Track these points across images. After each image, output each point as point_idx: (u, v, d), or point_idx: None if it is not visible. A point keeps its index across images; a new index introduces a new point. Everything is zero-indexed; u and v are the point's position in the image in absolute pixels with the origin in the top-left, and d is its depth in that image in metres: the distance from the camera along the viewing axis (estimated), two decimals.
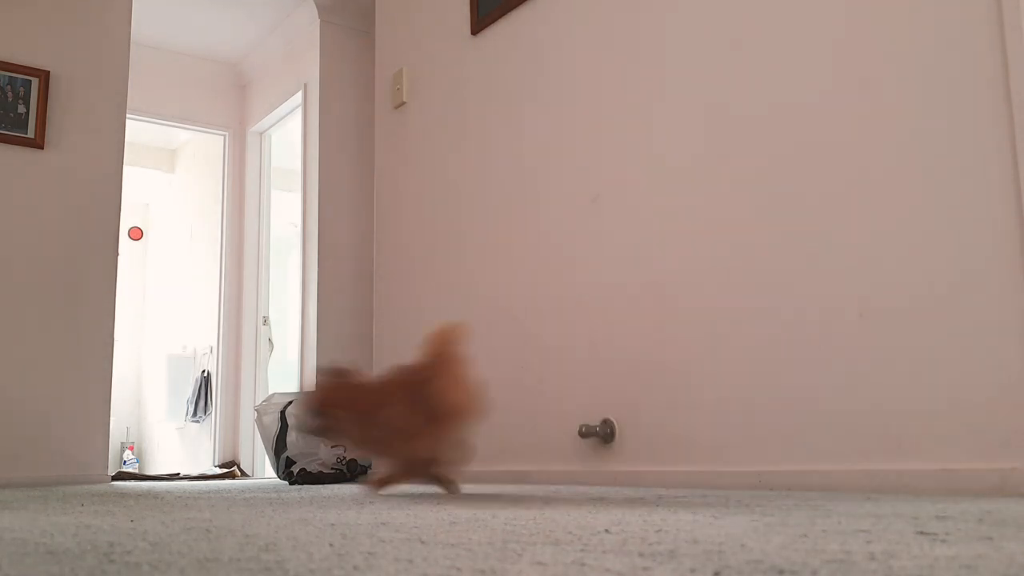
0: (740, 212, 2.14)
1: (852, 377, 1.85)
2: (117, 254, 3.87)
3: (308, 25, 5.17)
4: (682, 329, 2.25)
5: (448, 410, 1.85)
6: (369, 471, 3.48)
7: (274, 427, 3.75)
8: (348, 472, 3.62)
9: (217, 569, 0.73)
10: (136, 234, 7.37)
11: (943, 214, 1.73)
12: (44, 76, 3.72)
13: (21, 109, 3.67)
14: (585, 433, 2.42)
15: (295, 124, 5.49)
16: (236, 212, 5.81)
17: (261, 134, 5.87)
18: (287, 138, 5.82)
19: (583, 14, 2.66)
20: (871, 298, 1.84)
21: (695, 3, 2.31)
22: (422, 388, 1.85)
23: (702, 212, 2.24)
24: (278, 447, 3.72)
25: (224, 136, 5.85)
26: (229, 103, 5.87)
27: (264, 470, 5.27)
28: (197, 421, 5.74)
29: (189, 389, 5.81)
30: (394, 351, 3.36)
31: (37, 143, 3.69)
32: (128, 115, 4.14)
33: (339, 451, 3.63)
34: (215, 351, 5.74)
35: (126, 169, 4.17)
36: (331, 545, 0.89)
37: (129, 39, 4.01)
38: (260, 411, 3.90)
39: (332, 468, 3.61)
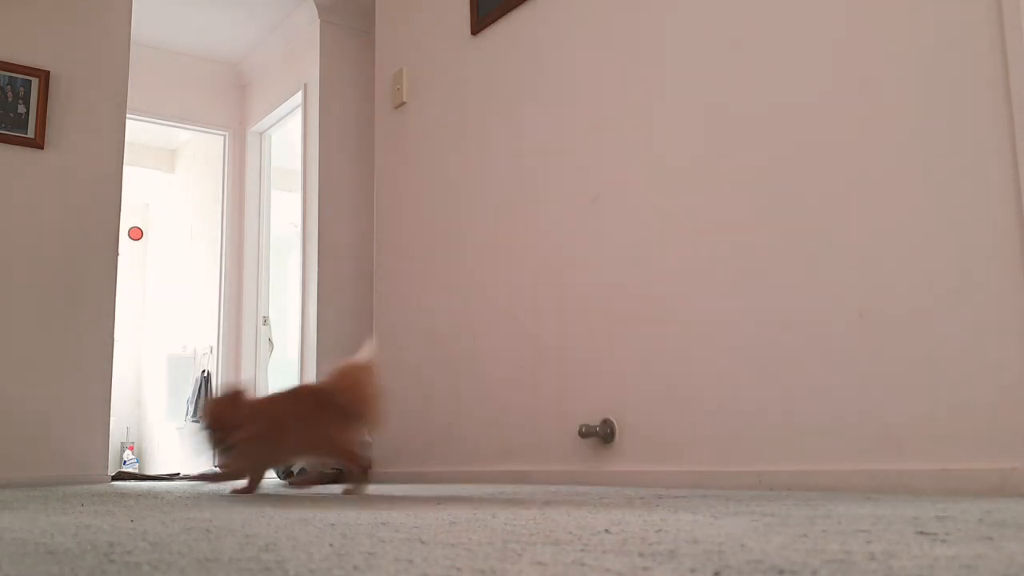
0: (740, 212, 2.14)
1: (852, 377, 1.85)
2: (117, 254, 3.87)
3: (308, 25, 5.17)
4: (682, 329, 2.25)
5: (353, 415, 2.27)
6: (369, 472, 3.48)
7: None
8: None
9: (217, 569, 0.73)
10: (136, 234, 7.37)
11: (943, 214, 1.73)
12: (44, 76, 3.72)
13: (21, 109, 3.67)
14: (585, 433, 2.42)
15: (295, 124, 5.49)
16: (236, 212, 5.81)
17: (261, 134, 5.87)
18: (287, 138, 5.82)
19: (583, 14, 2.66)
20: (871, 298, 1.83)
21: (695, 3, 2.31)
22: (330, 398, 2.25)
23: (702, 212, 2.24)
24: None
25: (224, 136, 5.85)
26: (229, 103, 5.87)
27: None
28: (197, 421, 5.73)
29: (189, 389, 5.81)
30: (394, 351, 3.36)
31: (37, 143, 3.69)
32: (128, 115, 4.14)
33: None
34: (215, 351, 5.74)
35: (126, 169, 4.17)
36: (331, 545, 0.89)
37: (129, 39, 4.01)
38: None
39: (332, 468, 3.61)
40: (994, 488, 1.57)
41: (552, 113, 2.75)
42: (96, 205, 3.81)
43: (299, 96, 5.25)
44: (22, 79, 3.68)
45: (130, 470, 6.06)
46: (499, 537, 0.94)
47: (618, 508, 1.38)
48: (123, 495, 2.41)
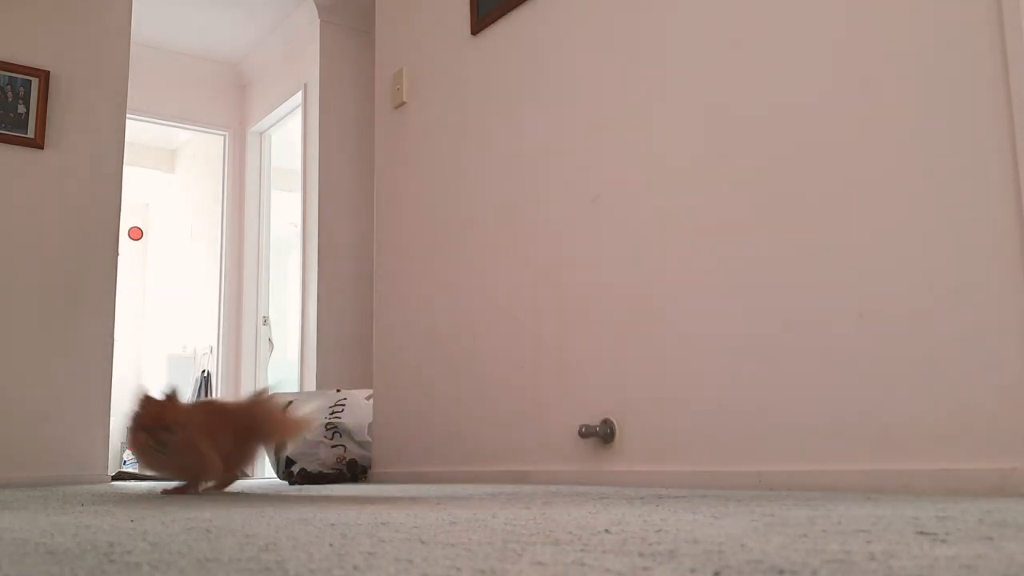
0: (740, 212, 2.14)
1: (852, 377, 1.85)
2: (117, 254, 3.87)
3: (308, 25, 5.17)
4: (682, 329, 2.25)
5: (261, 434, 2.51)
6: (369, 472, 3.48)
7: None
8: (348, 472, 3.61)
9: (217, 569, 0.73)
10: (136, 234, 7.37)
11: (943, 214, 1.73)
12: (44, 76, 3.72)
13: (21, 109, 3.67)
14: (585, 433, 2.42)
15: (295, 124, 5.49)
16: (236, 212, 5.81)
17: (261, 134, 5.87)
18: (287, 138, 5.82)
19: (583, 14, 2.67)
20: (871, 298, 1.84)
21: (695, 3, 2.31)
22: (241, 416, 2.48)
23: (702, 212, 2.24)
24: (278, 447, 3.72)
25: (224, 136, 5.85)
26: (229, 103, 5.87)
27: (264, 470, 5.28)
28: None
29: (189, 389, 5.81)
30: (394, 351, 3.36)
31: (37, 143, 3.69)
32: (128, 115, 4.14)
33: (339, 451, 3.63)
34: (215, 351, 5.74)
35: (126, 169, 4.17)
36: (331, 545, 0.89)
37: (129, 39, 4.01)
38: None
39: (332, 468, 3.61)
40: (994, 488, 1.57)
41: (552, 113, 2.75)
42: (96, 205, 3.81)
43: (299, 96, 5.26)
44: (22, 79, 3.68)
45: (130, 470, 6.06)
46: (499, 537, 0.94)
47: (618, 508, 1.38)
48: (123, 495, 2.41)
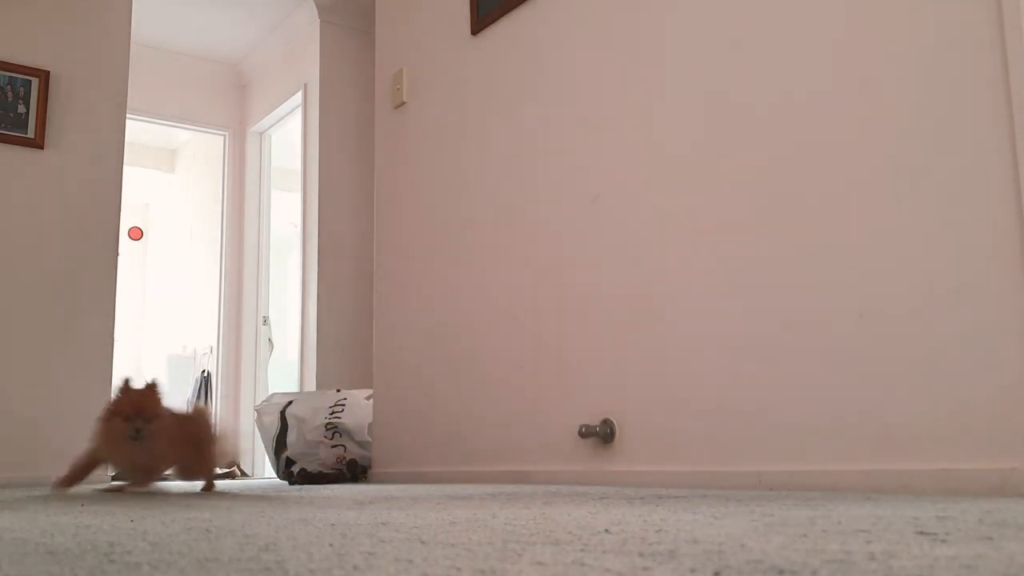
0: (740, 212, 2.14)
1: (852, 377, 1.85)
2: (117, 254, 3.87)
3: (308, 25, 5.17)
4: (682, 329, 2.25)
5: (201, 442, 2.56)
6: (369, 472, 3.48)
7: (274, 427, 3.75)
8: (348, 472, 3.61)
9: (217, 569, 0.73)
10: (136, 234, 7.37)
11: (943, 214, 1.73)
12: (44, 76, 3.72)
13: (21, 109, 3.67)
14: (585, 433, 2.42)
15: (295, 124, 5.49)
16: (236, 212, 5.81)
17: (261, 134, 5.87)
18: (287, 138, 5.82)
19: (583, 14, 2.67)
20: (871, 298, 1.84)
21: (695, 3, 2.31)
22: (195, 425, 2.59)
23: (702, 212, 2.24)
24: (278, 447, 3.72)
25: (224, 136, 5.85)
26: (229, 103, 5.87)
27: (264, 470, 5.28)
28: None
29: (189, 389, 5.81)
30: (394, 351, 3.36)
31: (37, 143, 3.69)
32: (128, 115, 4.14)
33: (339, 451, 3.63)
34: (215, 351, 5.74)
35: (126, 169, 4.17)
36: (331, 545, 0.89)
37: (129, 39, 4.01)
38: (260, 411, 3.90)
39: (332, 468, 3.61)
40: (994, 488, 1.57)
41: (552, 113, 2.75)
42: (96, 205, 3.81)
43: (299, 96, 5.26)
44: (22, 79, 3.68)
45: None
46: (499, 537, 0.94)
47: (618, 508, 1.38)
48: (123, 495, 2.41)
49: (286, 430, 3.70)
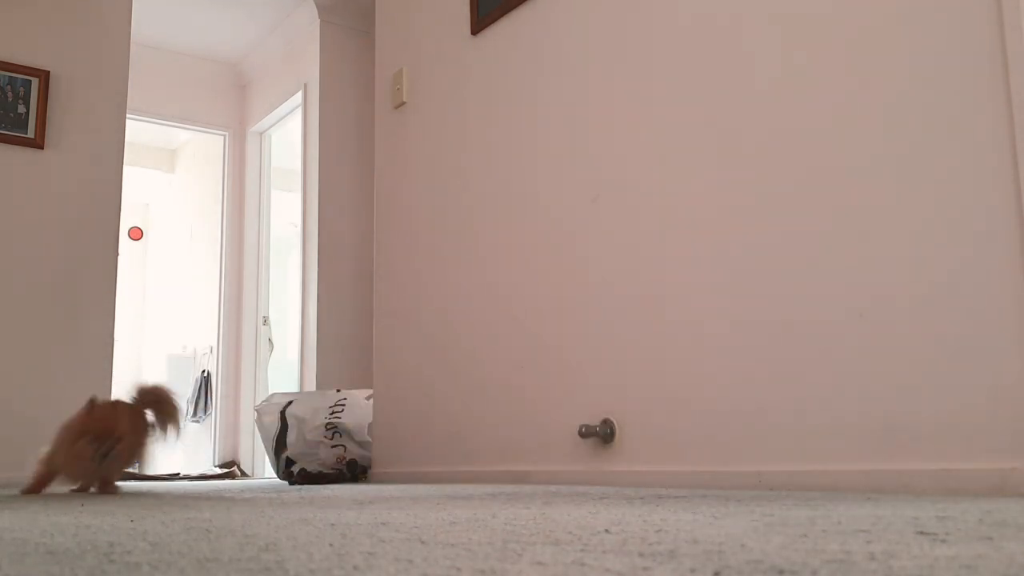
0: (740, 212, 2.14)
1: (852, 377, 1.85)
2: (117, 254, 3.87)
3: (308, 25, 5.17)
4: (682, 329, 2.25)
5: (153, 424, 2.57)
6: (369, 472, 3.48)
7: (274, 427, 3.75)
8: (348, 472, 3.62)
9: (217, 569, 0.73)
10: (136, 234, 7.37)
11: (943, 214, 1.73)
12: (44, 76, 3.72)
13: (21, 109, 3.67)
14: (585, 433, 2.42)
15: (295, 124, 5.49)
16: (236, 212, 5.81)
17: (261, 134, 5.87)
18: (287, 138, 5.82)
19: (583, 14, 2.67)
20: (871, 298, 1.84)
21: (695, 3, 2.31)
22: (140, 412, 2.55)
23: (702, 212, 2.24)
24: (278, 447, 3.72)
25: (224, 136, 5.85)
26: (229, 103, 5.87)
27: (264, 470, 5.28)
28: (197, 421, 5.75)
29: (189, 389, 5.81)
30: (394, 351, 3.36)
31: (37, 143, 3.69)
32: (128, 115, 4.15)
33: (339, 451, 3.63)
34: (215, 351, 5.74)
35: (126, 169, 4.17)
36: (331, 545, 0.89)
37: (129, 39, 4.01)
38: (260, 411, 3.90)
39: (332, 468, 3.61)
40: (994, 488, 1.57)
41: (552, 113, 2.75)
42: (96, 205, 3.81)
43: (299, 96, 5.26)
44: (22, 79, 3.68)
45: (130, 470, 6.06)
46: (499, 537, 0.94)
47: (618, 508, 1.38)
48: (123, 495, 2.41)
49: (286, 430, 3.70)
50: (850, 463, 1.82)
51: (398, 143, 3.48)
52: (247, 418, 5.45)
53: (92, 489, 2.50)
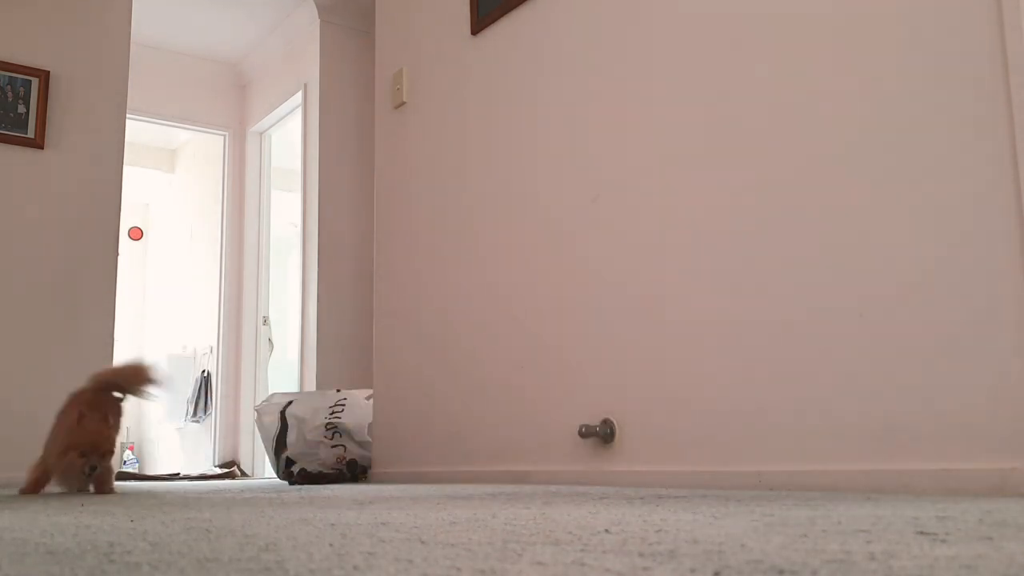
0: (740, 212, 2.14)
1: (852, 377, 1.85)
2: (117, 254, 3.87)
3: (308, 25, 5.17)
4: (682, 329, 2.25)
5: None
6: (369, 472, 3.48)
7: (274, 427, 3.75)
8: (348, 472, 3.62)
9: (217, 569, 0.73)
10: (136, 234, 7.37)
11: (943, 214, 1.73)
12: (44, 76, 3.72)
13: (21, 109, 3.67)
14: (585, 433, 2.42)
15: (295, 124, 5.49)
16: (236, 212, 5.81)
17: (261, 134, 5.87)
18: (287, 138, 5.82)
19: (583, 14, 2.67)
20: (871, 298, 1.84)
21: (696, 3, 2.31)
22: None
23: (702, 212, 2.24)
24: (278, 447, 3.72)
25: (224, 136, 5.85)
26: (229, 103, 5.87)
27: (264, 470, 5.28)
28: (197, 421, 5.75)
29: (189, 389, 5.81)
30: (394, 351, 3.36)
31: (37, 143, 3.69)
32: (128, 115, 4.15)
33: (339, 451, 3.63)
34: (215, 351, 5.74)
35: (126, 169, 4.17)
36: (331, 545, 0.89)
37: (129, 39, 4.01)
38: (260, 411, 3.90)
39: (332, 468, 3.61)
40: (994, 488, 1.57)
41: (552, 113, 2.75)
42: (96, 205, 3.81)
43: (299, 96, 5.26)
44: (22, 79, 3.68)
45: (130, 470, 6.06)
46: (499, 537, 0.94)
47: (618, 508, 1.38)
48: (123, 495, 2.42)
49: (286, 430, 3.69)
50: (850, 463, 1.82)
51: (398, 143, 3.48)
52: (247, 418, 5.45)
53: (90, 488, 2.51)
